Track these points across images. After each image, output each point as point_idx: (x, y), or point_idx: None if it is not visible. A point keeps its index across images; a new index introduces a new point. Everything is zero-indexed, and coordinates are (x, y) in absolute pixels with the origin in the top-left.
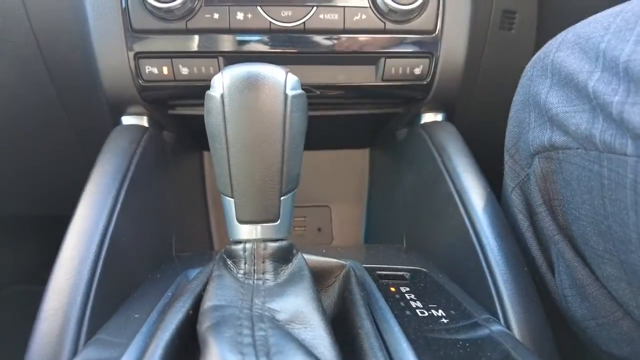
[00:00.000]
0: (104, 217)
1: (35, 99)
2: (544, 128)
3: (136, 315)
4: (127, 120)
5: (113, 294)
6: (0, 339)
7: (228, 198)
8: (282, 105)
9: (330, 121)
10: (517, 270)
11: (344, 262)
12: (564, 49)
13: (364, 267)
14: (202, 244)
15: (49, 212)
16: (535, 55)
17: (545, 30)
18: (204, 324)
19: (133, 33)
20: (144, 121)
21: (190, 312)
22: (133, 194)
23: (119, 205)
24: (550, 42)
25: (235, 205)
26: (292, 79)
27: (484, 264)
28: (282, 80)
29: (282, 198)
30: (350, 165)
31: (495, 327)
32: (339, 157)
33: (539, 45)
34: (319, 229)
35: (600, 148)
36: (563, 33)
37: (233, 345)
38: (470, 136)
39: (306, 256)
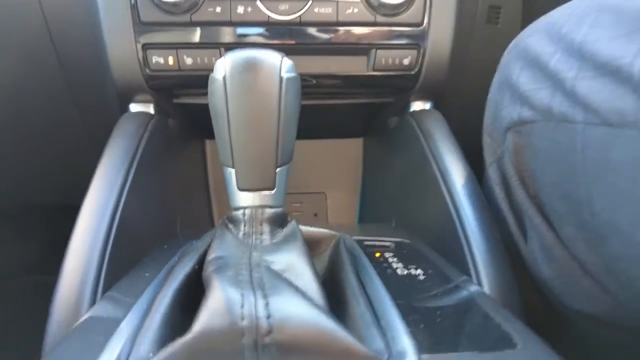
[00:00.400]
0: (115, 192)
1: (46, 91)
2: (515, 105)
3: (146, 274)
4: (134, 107)
5: (125, 258)
6: (11, 329)
7: (229, 168)
8: (277, 86)
9: (325, 111)
10: (490, 238)
11: (334, 233)
12: (535, 34)
13: (353, 239)
14: (204, 227)
15: (59, 202)
16: (512, 42)
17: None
18: (208, 269)
19: (141, 26)
20: (150, 108)
21: (196, 267)
22: (141, 175)
23: (128, 184)
24: (525, 29)
25: (236, 174)
26: (287, 62)
27: (460, 233)
28: (278, 64)
29: (277, 169)
30: (345, 154)
31: (472, 287)
32: (334, 146)
33: None
34: (315, 214)
35: (558, 118)
36: (536, 21)
37: (233, 282)
38: (459, 123)
39: (300, 226)
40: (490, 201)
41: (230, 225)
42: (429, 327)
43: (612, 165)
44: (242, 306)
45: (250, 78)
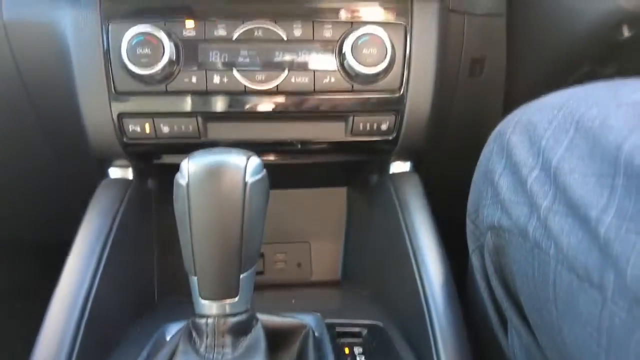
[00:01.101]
0: (87, 281)
1: (26, 143)
2: (496, 208)
3: None
4: (113, 172)
5: (94, 353)
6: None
7: (192, 276)
8: (241, 193)
9: (307, 165)
10: (458, 337)
11: (305, 323)
12: (517, 132)
13: (326, 322)
14: (185, 283)
15: (46, 237)
16: (496, 129)
17: (514, 75)
18: None
19: (117, 95)
20: (128, 173)
21: None
22: (116, 252)
23: (101, 267)
24: (508, 118)
25: (198, 283)
26: (253, 164)
27: (428, 326)
28: (242, 168)
29: (241, 276)
30: (328, 203)
31: None
32: (318, 195)
33: (508, 90)
34: (299, 265)
35: (532, 243)
36: (519, 113)
37: None
38: (440, 182)
39: (268, 317)
40: (473, 288)
41: (194, 334)
42: None
43: (579, 315)
44: None
45: (212, 186)
